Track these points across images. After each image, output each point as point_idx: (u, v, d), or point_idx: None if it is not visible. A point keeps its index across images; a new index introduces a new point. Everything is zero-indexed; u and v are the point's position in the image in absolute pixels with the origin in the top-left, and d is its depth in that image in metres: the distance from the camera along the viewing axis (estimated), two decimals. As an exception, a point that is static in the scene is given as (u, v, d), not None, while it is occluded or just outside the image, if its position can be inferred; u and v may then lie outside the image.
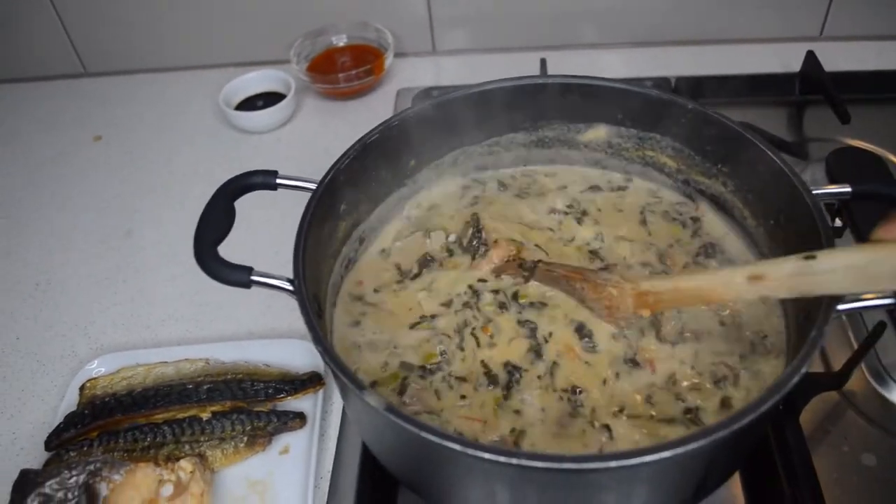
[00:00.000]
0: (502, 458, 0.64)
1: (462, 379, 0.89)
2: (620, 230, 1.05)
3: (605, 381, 0.88)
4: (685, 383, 0.87)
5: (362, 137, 0.96)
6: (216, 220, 0.89)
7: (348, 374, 0.71)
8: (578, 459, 0.64)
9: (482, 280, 1.00)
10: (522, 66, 1.40)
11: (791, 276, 0.75)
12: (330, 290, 0.96)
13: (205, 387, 1.06)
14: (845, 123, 1.34)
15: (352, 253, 1.02)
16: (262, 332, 1.20)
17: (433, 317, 0.96)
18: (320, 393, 1.07)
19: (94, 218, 1.45)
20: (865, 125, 1.38)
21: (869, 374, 1.04)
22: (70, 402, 1.10)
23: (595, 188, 1.11)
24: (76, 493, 0.92)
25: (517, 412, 0.85)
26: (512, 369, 0.89)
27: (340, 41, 1.67)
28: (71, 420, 1.05)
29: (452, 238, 1.05)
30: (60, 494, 0.93)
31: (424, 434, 0.66)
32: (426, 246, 1.04)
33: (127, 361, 1.13)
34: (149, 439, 1.03)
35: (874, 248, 0.70)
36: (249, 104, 1.61)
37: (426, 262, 1.02)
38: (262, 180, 0.93)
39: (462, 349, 0.93)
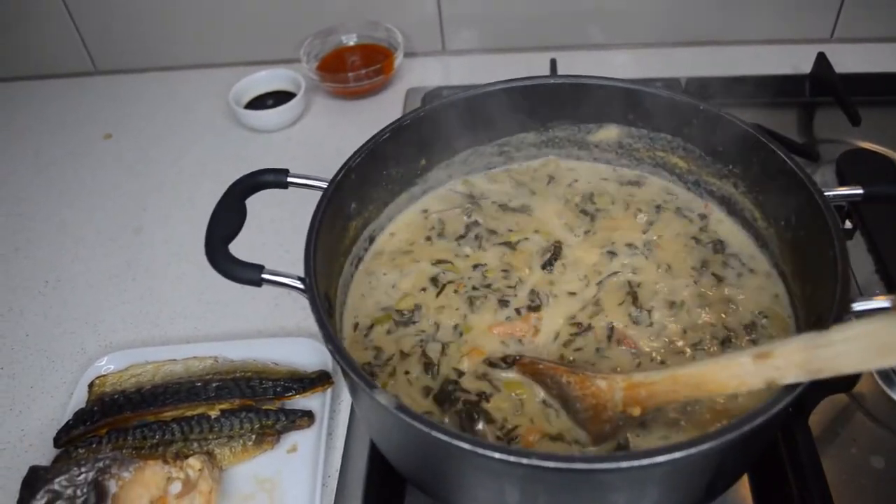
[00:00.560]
0: (512, 458, 0.64)
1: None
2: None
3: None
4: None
5: (374, 136, 0.96)
6: (227, 218, 0.89)
7: (359, 373, 0.72)
8: (589, 460, 0.64)
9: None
10: (532, 66, 1.40)
11: (802, 350, 0.68)
12: (340, 288, 0.96)
13: (213, 385, 1.06)
14: (856, 125, 1.33)
15: (361, 252, 1.02)
16: (271, 331, 1.20)
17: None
18: (328, 392, 1.07)
19: (104, 215, 1.45)
20: (876, 127, 1.38)
21: (878, 376, 1.04)
22: (79, 399, 1.10)
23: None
24: (85, 490, 0.93)
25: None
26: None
27: (350, 40, 1.67)
28: (80, 417, 1.06)
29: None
30: (70, 491, 0.93)
31: (435, 433, 0.66)
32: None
33: (136, 359, 1.14)
34: (157, 437, 1.03)
35: (890, 318, 0.66)
36: (259, 103, 1.61)
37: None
38: (273, 179, 0.93)
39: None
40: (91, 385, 1.11)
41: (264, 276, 0.84)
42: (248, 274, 0.84)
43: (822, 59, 1.46)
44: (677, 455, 0.63)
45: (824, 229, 0.82)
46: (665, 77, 1.51)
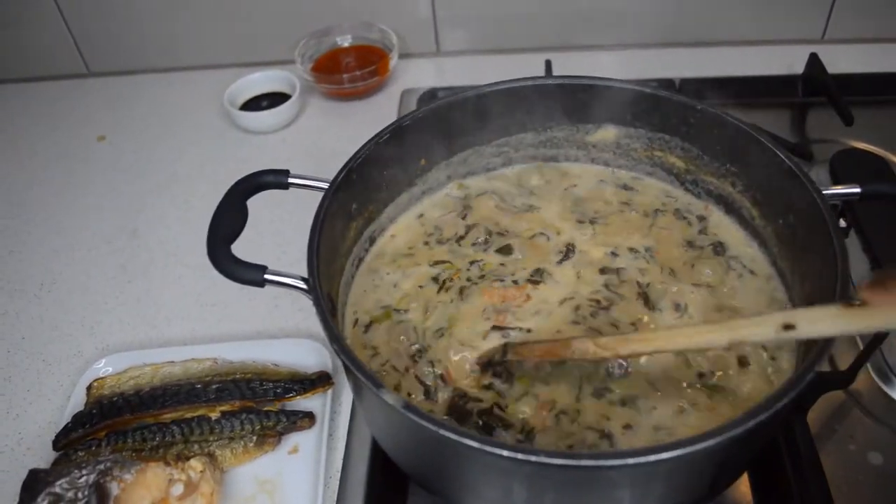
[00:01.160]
0: (520, 456, 0.64)
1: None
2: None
3: None
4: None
5: (374, 137, 0.96)
6: (229, 218, 0.89)
7: (365, 372, 0.72)
8: (596, 457, 0.65)
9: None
10: (526, 67, 1.40)
11: (831, 318, 0.68)
12: (342, 289, 0.96)
13: (213, 386, 1.06)
14: (849, 125, 1.35)
15: (362, 252, 1.02)
16: (270, 332, 1.20)
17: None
18: (329, 392, 1.07)
19: (99, 218, 1.45)
20: (868, 127, 1.39)
21: (875, 374, 1.05)
22: (77, 401, 1.10)
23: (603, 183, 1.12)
24: (86, 493, 0.92)
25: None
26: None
27: (345, 42, 1.67)
28: (79, 419, 1.05)
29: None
30: (71, 494, 0.92)
31: (443, 431, 0.66)
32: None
33: (134, 361, 1.13)
34: (157, 439, 1.03)
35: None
36: (254, 104, 1.61)
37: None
38: (274, 179, 0.93)
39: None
40: (89, 388, 1.10)
41: (267, 276, 0.84)
42: (251, 274, 0.84)
43: (814, 59, 1.48)
44: (683, 451, 0.64)
45: (822, 227, 0.82)
46: (658, 78, 1.52)
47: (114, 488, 0.93)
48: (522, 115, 1.07)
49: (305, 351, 1.12)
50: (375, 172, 0.99)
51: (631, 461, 0.63)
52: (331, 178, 0.92)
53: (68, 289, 1.32)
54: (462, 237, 1.05)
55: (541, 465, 0.65)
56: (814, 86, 1.47)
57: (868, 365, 1.05)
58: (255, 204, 0.95)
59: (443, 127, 1.03)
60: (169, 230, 1.40)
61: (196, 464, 0.97)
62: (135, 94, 1.73)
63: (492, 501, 0.78)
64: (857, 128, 1.36)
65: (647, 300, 0.95)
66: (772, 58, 1.61)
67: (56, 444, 1.04)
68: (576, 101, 1.05)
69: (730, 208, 1.03)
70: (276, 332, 1.20)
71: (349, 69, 1.60)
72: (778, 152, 0.90)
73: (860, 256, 1.17)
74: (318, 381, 1.07)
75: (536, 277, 0.98)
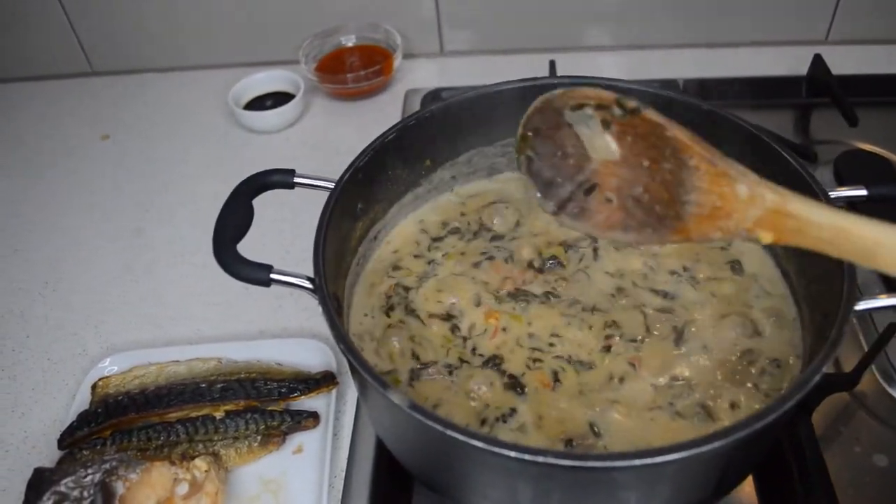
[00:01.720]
0: (527, 457, 0.64)
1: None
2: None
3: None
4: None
5: (380, 136, 0.96)
6: (235, 218, 0.89)
7: (371, 372, 0.72)
8: (603, 458, 0.65)
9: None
10: (530, 67, 1.41)
11: None
12: (347, 288, 0.96)
13: (218, 386, 1.06)
14: (853, 126, 1.35)
15: (368, 252, 1.02)
16: (274, 332, 1.20)
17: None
18: (333, 392, 1.07)
19: (103, 217, 1.45)
20: (873, 128, 1.39)
21: (880, 375, 1.05)
22: (82, 400, 1.10)
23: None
24: (92, 492, 0.92)
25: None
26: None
27: (349, 42, 1.67)
28: (84, 418, 1.05)
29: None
30: (76, 493, 0.93)
31: (449, 432, 0.66)
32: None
33: (139, 360, 1.13)
34: (162, 438, 1.03)
35: None
36: (258, 104, 1.61)
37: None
38: (280, 179, 0.93)
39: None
40: (94, 387, 1.10)
41: (273, 276, 0.84)
42: (257, 274, 0.84)
43: (818, 60, 1.48)
44: (689, 452, 0.64)
45: (829, 229, 0.82)
46: (662, 78, 1.52)
47: (119, 487, 0.93)
48: (527, 114, 1.07)
49: (310, 350, 1.13)
50: (381, 172, 0.99)
51: (638, 462, 0.63)
52: (336, 177, 0.92)
53: (73, 288, 1.32)
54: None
55: (547, 466, 0.65)
56: (818, 87, 1.47)
57: (873, 366, 1.05)
58: (260, 203, 0.95)
59: (448, 127, 1.03)
60: (173, 229, 1.40)
61: (201, 463, 0.97)
62: (139, 94, 1.74)
63: (497, 501, 0.78)
64: (861, 129, 1.36)
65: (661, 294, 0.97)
66: (775, 59, 1.61)
67: (61, 442, 1.04)
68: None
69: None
70: (280, 331, 1.20)
71: (353, 69, 1.60)
72: (784, 153, 0.90)
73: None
74: (323, 380, 1.07)
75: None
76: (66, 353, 1.22)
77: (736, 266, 0.99)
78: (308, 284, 0.83)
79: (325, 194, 0.90)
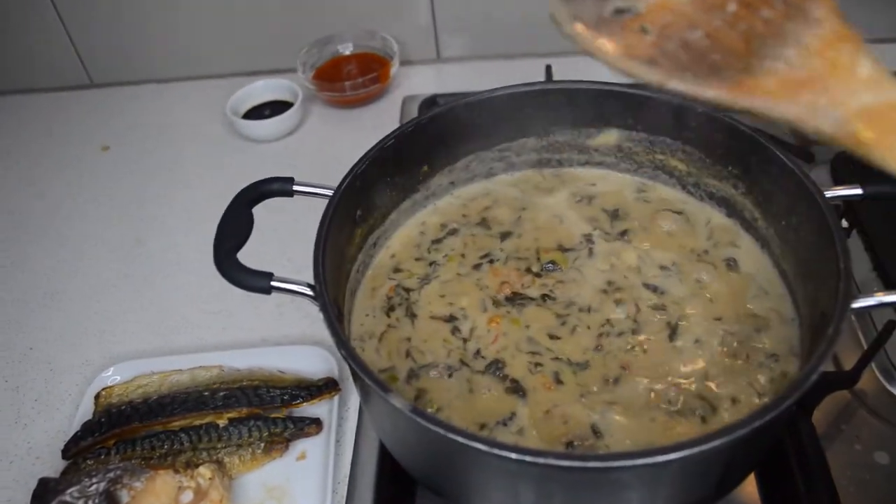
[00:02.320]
0: (529, 458, 0.65)
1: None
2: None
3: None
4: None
5: (378, 143, 0.97)
6: (235, 227, 0.89)
7: (372, 377, 0.72)
8: (604, 458, 0.65)
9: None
10: (526, 72, 1.40)
11: None
12: (347, 295, 0.96)
13: (220, 394, 1.07)
14: (849, 126, 1.35)
15: (367, 258, 1.03)
16: (275, 339, 1.21)
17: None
18: (336, 398, 1.08)
19: (103, 227, 1.45)
20: (869, 128, 1.39)
21: (879, 373, 1.05)
22: (85, 410, 1.10)
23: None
24: (97, 501, 0.93)
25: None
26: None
27: (346, 50, 1.68)
28: (88, 428, 1.06)
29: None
30: (81, 502, 0.93)
31: (451, 435, 0.67)
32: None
33: (141, 370, 1.14)
34: (166, 447, 1.03)
35: None
36: (256, 113, 1.62)
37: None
38: (279, 187, 0.94)
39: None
40: (97, 396, 1.11)
41: (273, 283, 0.85)
42: (258, 282, 0.85)
43: (813, 61, 1.48)
44: (691, 451, 0.64)
45: (825, 228, 0.83)
46: (658, 82, 1.53)
47: (124, 496, 0.94)
48: (524, 119, 1.07)
49: (311, 357, 1.13)
50: (379, 179, 0.99)
51: (640, 462, 0.64)
52: (335, 184, 0.92)
53: (73, 298, 1.33)
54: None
55: (549, 468, 0.65)
56: (813, 88, 1.47)
57: (872, 364, 1.05)
58: (259, 212, 0.95)
59: (445, 133, 1.04)
60: (172, 239, 1.41)
61: (205, 471, 0.97)
62: (138, 105, 1.74)
63: (500, 503, 0.78)
64: (857, 129, 1.36)
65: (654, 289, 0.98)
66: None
67: (65, 452, 1.04)
68: (577, 105, 1.05)
69: (732, 211, 1.04)
70: (281, 339, 1.21)
71: (351, 77, 1.61)
72: (780, 154, 0.90)
73: (862, 256, 1.17)
74: (325, 387, 1.07)
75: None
76: (68, 364, 1.22)
77: (731, 264, 1.00)
78: (309, 291, 0.83)
79: (324, 202, 0.91)
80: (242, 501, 1.00)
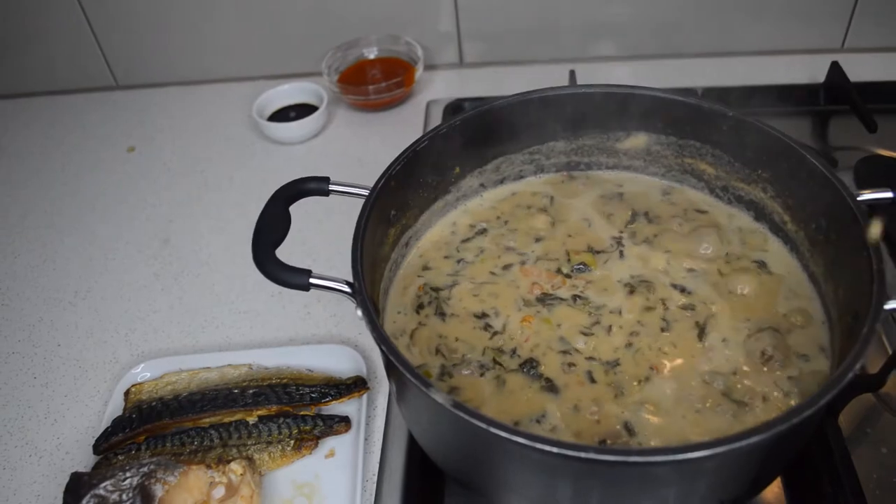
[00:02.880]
0: (570, 452, 0.66)
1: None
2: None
3: None
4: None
5: (412, 144, 0.98)
6: (273, 224, 0.90)
7: (414, 373, 0.73)
8: (645, 453, 0.66)
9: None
10: (549, 78, 1.42)
11: None
12: (382, 293, 0.97)
13: (250, 391, 1.08)
14: (872, 132, 1.36)
15: (399, 258, 1.04)
16: (303, 338, 1.22)
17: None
18: (364, 397, 1.09)
19: (131, 227, 1.47)
20: (891, 134, 1.40)
21: (904, 377, 1.06)
22: (115, 407, 1.12)
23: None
24: (131, 495, 0.94)
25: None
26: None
27: (371, 54, 1.70)
28: (119, 424, 1.07)
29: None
30: (115, 496, 0.94)
31: (493, 429, 0.67)
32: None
33: (171, 367, 1.15)
34: (196, 443, 1.04)
35: None
36: (282, 115, 1.64)
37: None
38: (316, 186, 0.95)
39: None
40: (127, 393, 1.12)
41: (312, 280, 0.86)
42: (297, 279, 0.86)
43: (835, 67, 1.49)
44: (731, 446, 0.65)
45: (856, 231, 0.84)
46: (680, 87, 1.53)
47: (158, 490, 0.94)
48: (554, 123, 1.08)
49: (339, 356, 1.14)
50: (413, 179, 1.01)
51: (681, 457, 0.64)
52: (372, 185, 0.94)
53: (102, 296, 1.34)
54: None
55: (589, 462, 0.66)
56: (836, 94, 1.48)
57: (898, 368, 1.06)
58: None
59: (476, 135, 1.05)
60: (200, 239, 1.42)
61: (236, 467, 0.98)
62: (164, 107, 1.76)
63: (536, 500, 0.79)
64: (879, 135, 1.37)
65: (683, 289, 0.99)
66: (790, 67, 1.63)
67: (97, 447, 1.06)
68: (607, 108, 1.06)
69: (760, 214, 1.05)
70: (308, 337, 1.22)
71: (375, 81, 1.62)
72: (811, 158, 0.91)
73: (887, 261, 1.17)
74: (354, 385, 1.08)
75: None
76: (97, 361, 1.23)
77: (760, 266, 1.01)
78: (347, 289, 0.84)
79: (350, 202, 0.92)
80: (272, 497, 1.01)
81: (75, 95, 1.81)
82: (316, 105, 1.61)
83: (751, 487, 0.81)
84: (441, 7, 1.64)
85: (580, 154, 1.13)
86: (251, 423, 1.06)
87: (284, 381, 1.10)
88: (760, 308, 0.96)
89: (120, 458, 1.04)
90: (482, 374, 0.92)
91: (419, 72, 1.62)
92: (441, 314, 0.99)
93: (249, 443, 1.04)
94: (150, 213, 1.49)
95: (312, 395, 1.07)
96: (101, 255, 1.42)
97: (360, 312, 0.80)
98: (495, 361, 0.92)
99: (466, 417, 0.69)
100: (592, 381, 0.89)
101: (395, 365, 0.74)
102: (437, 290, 1.02)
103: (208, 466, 0.98)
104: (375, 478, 1.02)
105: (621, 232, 1.07)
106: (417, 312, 1.00)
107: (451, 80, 1.72)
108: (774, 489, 0.98)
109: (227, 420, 1.07)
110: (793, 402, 0.86)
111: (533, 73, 1.70)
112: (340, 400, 1.08)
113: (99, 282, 1.37)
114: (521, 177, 1.14)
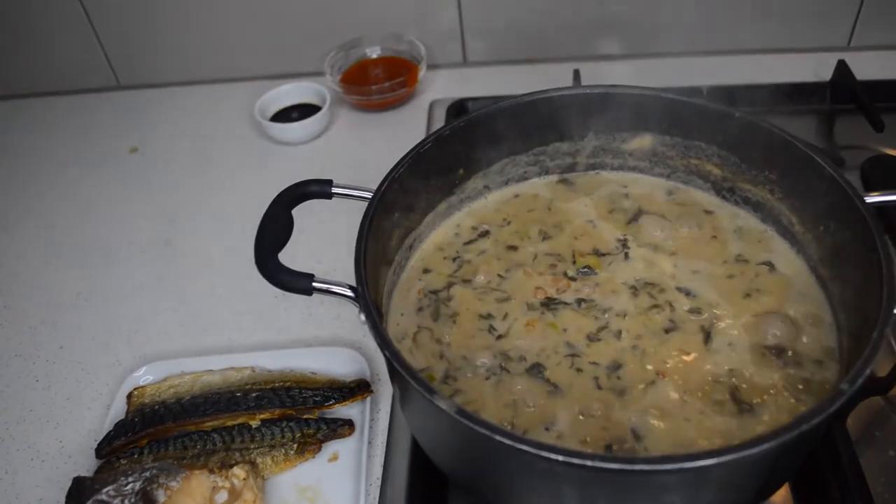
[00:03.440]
0: (575, 460, 0.65)
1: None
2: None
3: None
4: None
5: (416, 146, 0.97)
6: (275, 228, 0.90)
7: (417, 378, 0.72)
8: (651, 461, 0.65)
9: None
10: (552, 77, 1.41)
11: None
12: (384, 297, 0.97)
13: (253, 395, 1.07)
14: (879, 132, 1.35)
15: (403, 260, 1.03)
16: (305, 341, 1.21)
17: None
18: (368, 400, 1.08)
19: (133, 228, 1.46)
20: (898, 134, 1.40)
21: (912, 381, 1.05)
22: (117, 410, 1.11)
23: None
24: (133, 500, 0.93)
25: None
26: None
27: (374, 53, 1.69)
28: (121, 427, 1.06)
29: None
30: (117, 501, 0.93)
31: (497, 437, 0.67)
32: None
33: (173, 370, 1.14)
34: (199, 447, 1.04)
35: None
36: (284, 116, 1.63)
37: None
38: (319, 189, 0.94)
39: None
40: (129, 396, 1.11)
41: (315, 284, 0.85)
42: (299, 283, 0.85)
43: (842, 66, 1.48)
44: (739, 455, 0.64)
45: (866, 233, 0.83)
46: (685, 87, 1.52)
47: (160, 495, 0.94)
48: (559, 124, 1.07)
49: (343, 359, 1.13)
50: (416, 182, 1.00)
51: (687, 465, 0.64)
52: (369, 187, 0.93)
53: (104, 299, 1.33)
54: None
55: (594, 470, 0.65)
56: (842, 93, 1.47)
57: (906, 372, 1.05)
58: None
59: (481, 136, 1.04)
60: (202, 240, 1.41)
61: (239, 471, 0.98)
62: (165, 107, 1.75)
63: (541, 506, 0.78)
64: (886, 134, 1.36)
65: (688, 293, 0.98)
66: (795, 66, 1.61)
67: (99, 451, 1.05)
68: (612, 109, 1.05)
69: (767, 216, 1.04)
70: (311, 340, 1.21)
71: (378, 80, 1.61)
72: (818, 159, 0.90)
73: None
74: (358, 388, 1.08)
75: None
76: (99, 363, 1.23)
77: (768, 268, 1.00)
78: (350, 293, 0.84)
79: (352, 204, 0.92)
80: (275, 502, 1.00)
81: (77, 96, 1.81)
82: (318, 105, 1.60)
83: (758, 495, 0.80)
84: (444, 6, 1.63)
85: (585, 155, 1.12)
86: (254, 426, 1.05)
87: (287, 384, 1.09)
88: (768, 311, 0.95)
89: (122, 461, 1.04)
90: (487, 378, 0.91)
91: (422, 71, 1.61)
92: (444, 317, 0.98)
93: (252, 446, 1.04)
94: (152, 214, 1.48)
95: (316, 399, 1.07)
96: (104, 256, 1.41)
97: (363, 317, 0.80)
98: (501, 367, 0.91)
99: (470, 425, 0.68)
100: (598, 386, 0.88)
101: (398, 370, 0.73)
102: (439, 292, 1.01)
103: (211, 471, 0.98)
104: (379, 482, 1.01)
105: (626, 234, 1.06)
106: (420, 315, 0.99)
107: (454, 79, 1.71)
108: (782, 493, 0.97)
109: (229, 424, 1.06)
110: (801, 407, 0.85)
111: (537, 71, 1.69)
112: (344, 403, 1.07)
113: (101, 283, 1.36)
114: (526, 178, 1.13)
